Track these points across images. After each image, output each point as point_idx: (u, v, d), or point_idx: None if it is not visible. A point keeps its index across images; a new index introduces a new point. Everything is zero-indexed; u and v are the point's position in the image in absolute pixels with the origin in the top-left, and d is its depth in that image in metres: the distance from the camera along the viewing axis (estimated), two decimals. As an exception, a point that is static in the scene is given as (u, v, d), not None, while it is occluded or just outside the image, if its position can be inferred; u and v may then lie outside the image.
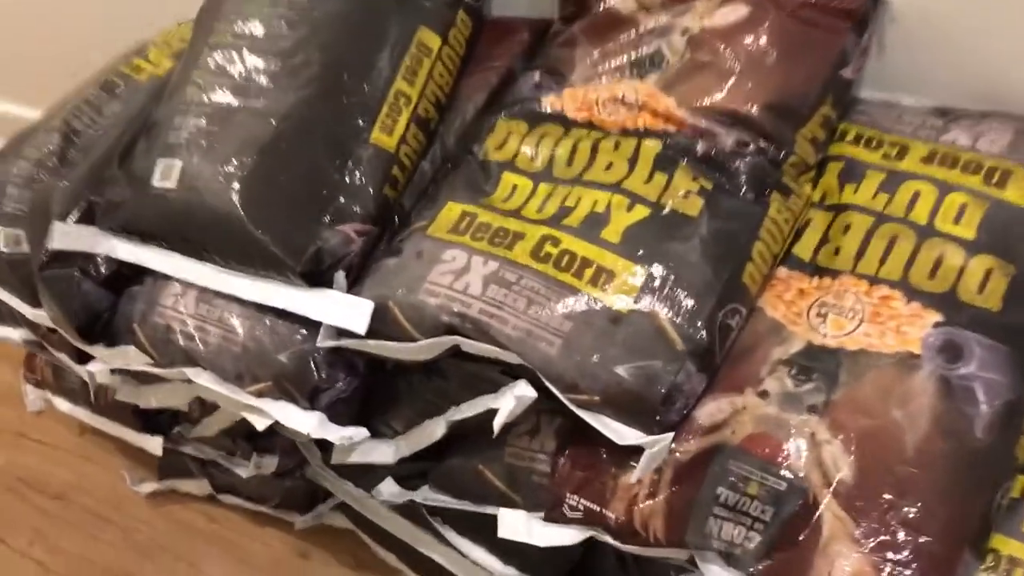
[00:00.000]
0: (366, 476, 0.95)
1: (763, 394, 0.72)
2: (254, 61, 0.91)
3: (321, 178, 0.85)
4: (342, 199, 0.84)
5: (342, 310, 0.80)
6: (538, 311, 0.73)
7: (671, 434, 0.70)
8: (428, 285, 0.77)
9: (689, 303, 0.72)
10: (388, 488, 0.94)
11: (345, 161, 0.85)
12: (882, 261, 0.76)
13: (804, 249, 0.79)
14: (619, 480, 0.74)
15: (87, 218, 0.94)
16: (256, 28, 0.91)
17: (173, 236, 0.90)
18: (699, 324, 0.71)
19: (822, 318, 0.75)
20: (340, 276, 0.83)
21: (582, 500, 0.75)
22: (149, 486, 1.22)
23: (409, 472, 0.95)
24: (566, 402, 0.72)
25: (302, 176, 0.85)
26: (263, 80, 0.89)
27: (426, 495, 0.92)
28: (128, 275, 0.96)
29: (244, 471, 1.03)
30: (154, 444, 1.13)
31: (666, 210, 0.76)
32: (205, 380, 0.89)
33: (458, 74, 0.94)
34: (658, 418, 0.70)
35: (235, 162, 0.86)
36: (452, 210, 0.81)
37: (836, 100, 0.81)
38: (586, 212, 0.77)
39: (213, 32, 0.94)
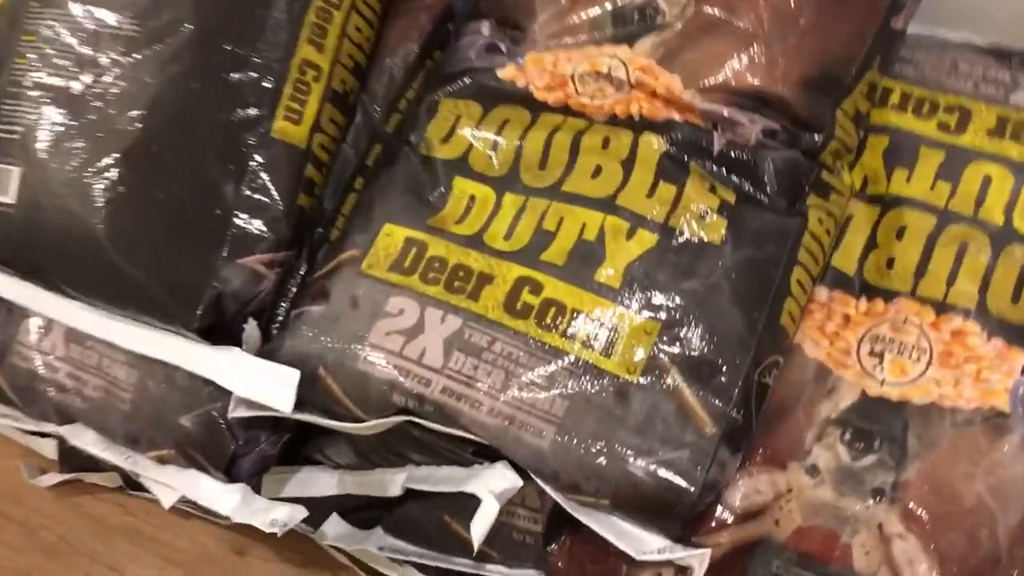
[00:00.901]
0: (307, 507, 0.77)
1: (812, 470, 0.56)
2: (102, 23, 0.67)
3: (210, 192, 0.63)
4: (241, 220, 0.63)
5: (258, 380, 0.61)
6: (521, 389, 0.56)
7: (708, 551, 0.54)
8: (370, 350, 0.58)
9: (718, 366, 0.55)
10: (335, 529, 0.77)
11: (241, 165, 0.63)
12: (950, 280, 0.59)
13: (846, 259, 0.62)
14: (633, 579, 0.59)
15: None
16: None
17: (20, 263, 0.69)
18: (733, 394, 0.55)
19: (877, 358, 0.59)
20: (251, 328, 0.63)
21: (586, 601, 0.60)
22: (51, 478, 1.03)
23: (357, 504, 0.78)
24: (564, 505, 0.55)
25: (184, 190, 0.64)
26: (117, 53, 0.66)
27: (382, 541, 0.76)
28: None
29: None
30: (48, 447, 0.93)
31: (679, 237, 0.57)
32: (89, 442, 0.70)
33: (380, 21, 0.71)
34: (685, 521, 0.54)
35: (91, 170, 0.64)
36: (392, 235, 0.61)
37: (883, 59, 0.61)
38: (572, 241, 0.58)
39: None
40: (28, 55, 0.68)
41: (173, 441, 0.67)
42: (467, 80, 0.65)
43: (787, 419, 0.58)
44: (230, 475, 0.67)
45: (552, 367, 0.56)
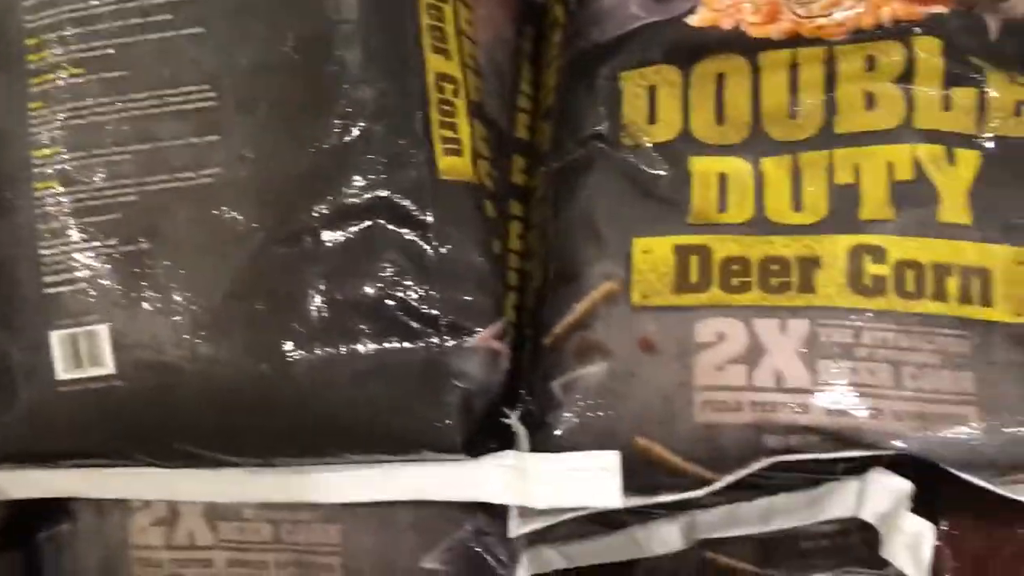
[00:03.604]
0: None
1: None
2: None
3: (392, 280, 0.48)
4: (441, 291, 0.48)
5: (561, 480, 0.47)
6: (916, 377, 0.45)
7: None
8: (705, 395, 0.45)
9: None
10: None
11: (419, 227, 0.48)
12: None
13: None
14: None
15: None
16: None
17: (139, 444, 0.51)
18: None
19: None
20: (515, 421, 0.49)
21: (1000, 591, 0.51)
22: None
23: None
24: (1004, 492, 0.46)
25: (358, 288, 0.48)
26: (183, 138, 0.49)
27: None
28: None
29: None
30: None
31: (1005, 143, 0.48)
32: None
33: (468, 9, 0.57)
34: None
35: (217, 304, 0.48)
36: (652, 250, 0.49)
37: None
38: (885, 187, 0.48)
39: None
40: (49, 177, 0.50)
41: (422, 591, 0.52)
42: (645, 42, 0.52)
43: None
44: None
45: (938, 339, 0.45)
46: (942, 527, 0.52)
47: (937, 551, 0.51)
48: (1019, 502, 0.48)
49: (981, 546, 0.51)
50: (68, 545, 0.57)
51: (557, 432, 0.48)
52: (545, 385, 0.49)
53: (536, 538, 0.58)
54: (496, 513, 0.52)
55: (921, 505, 0.51)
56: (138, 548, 0.55)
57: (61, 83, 0.50)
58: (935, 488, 0.50)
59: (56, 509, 0.57)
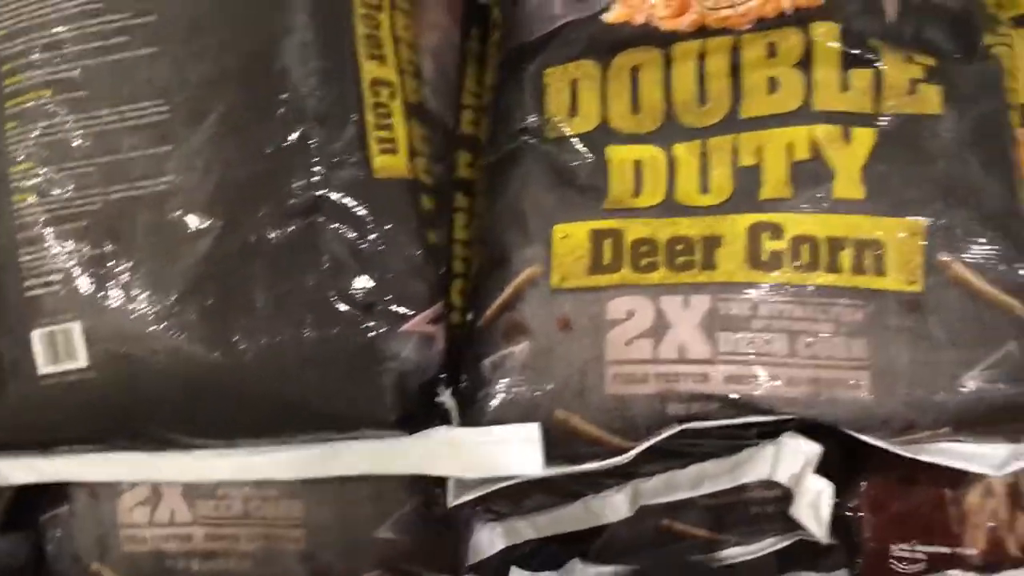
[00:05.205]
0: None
1: None
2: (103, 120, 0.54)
3: (331, 270, 0.52)
4: (377, 280, 0.52)
5: (488, 451, 0.51)
6: (810, 345, 0.48)
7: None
8: (615, 368, 0.49)
9: (996, 241, 0.48)
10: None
11: (354, 223, 0.52)
12: None
13: None
14: (962, 504, 0.52)
15: None
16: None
17: (112, 431, 0.56)
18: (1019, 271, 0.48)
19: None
20: (447, 398, 0.53)
21: (919, 547, 0.53)
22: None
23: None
24: (898, 451, 0.48)
25: (297, 280, 0.52)
26: (142, 151, 0.54)
27: (584, 574, 0.67)
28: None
29: None
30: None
31: (898, 122, 0.50)
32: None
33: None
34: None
35: (174, 301, 0.52)
36: (571, 236, 0.52)
37: None
38: (785, 167, 0.50)
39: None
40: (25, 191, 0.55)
41: (378, 560, 0.56)
42: (566, 39, 0.55)
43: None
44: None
45: (833, 309, 0.48)
46: (861, 488, 0.55)
47: (856, 515, 0.54)
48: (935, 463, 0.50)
49: (899, 504, 0.54)
50: (67, 525, 0.62)
51: (487, 408, 0.52)
52: (477, 364, 0.53)
53: (508, 512, 0.62)
54: (443, 484, 0.56)
55: (843, 469, 0.54)
56: (126, 527, 0.60)
57: (32, 104, 0.55)
58: (856, 452, 0.53)
59: (55, 493, 0.62)
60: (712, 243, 0.50)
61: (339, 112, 0.54)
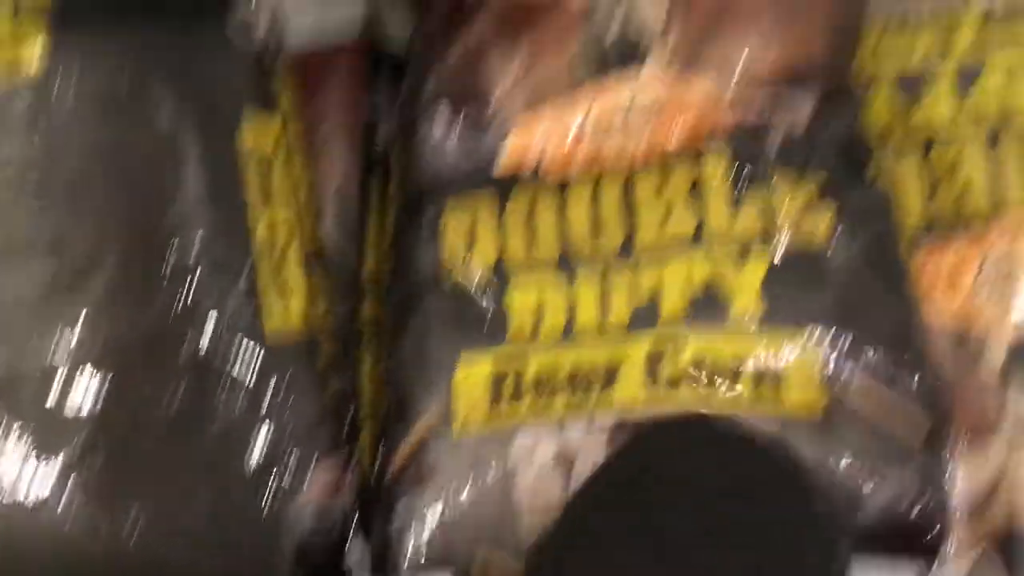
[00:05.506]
0: None
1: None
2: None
3: (228, 445, 0.50)
4: (274, 441, 0.50)
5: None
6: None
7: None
8: (529, 503, 0.47)
9: (897, 360, 0.49)
10: None
11: (250, 398, 0.51)
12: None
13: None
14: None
15: None
16: None
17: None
18: (920, 380, 0.48)
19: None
20: (356, 550, 0.50)
21: None
22: None
23: None
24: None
25: (198, 439, 0.50)
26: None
27: None
28: None
29: None
30: None
31: (792, 244, 0.51)
32: None
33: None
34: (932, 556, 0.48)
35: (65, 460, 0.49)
36: (470, 377, 0.51)
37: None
38: (684, 290, 0.50)
39: None
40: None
41: None
42: (462, 183, 0.56)
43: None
44: None
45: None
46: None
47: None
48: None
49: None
50: None
51: (401, 560, 0.49)
52: (388, 515, 0.51)
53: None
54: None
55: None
56: None
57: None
58: None
59: None
60: (612, 368, 0.49)
61: (231, 267, 0.53)
